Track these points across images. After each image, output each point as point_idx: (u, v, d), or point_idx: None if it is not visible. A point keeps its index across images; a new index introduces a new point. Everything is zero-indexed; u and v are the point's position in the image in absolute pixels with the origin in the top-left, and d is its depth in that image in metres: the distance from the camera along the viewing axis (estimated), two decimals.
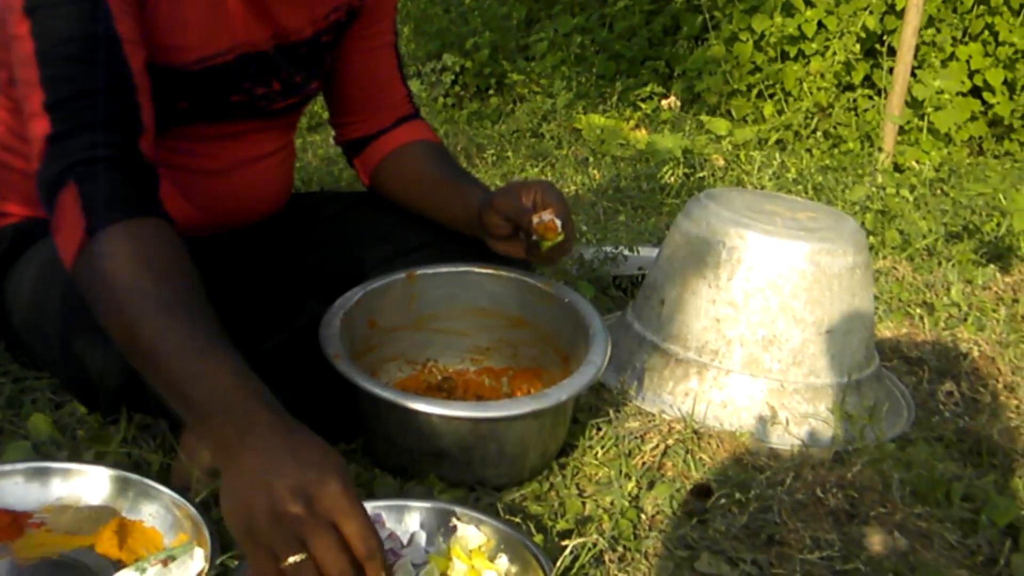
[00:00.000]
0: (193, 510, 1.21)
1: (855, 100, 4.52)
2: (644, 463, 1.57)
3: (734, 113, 4.74)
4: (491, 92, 5.03)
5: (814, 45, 4.62)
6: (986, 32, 4.58)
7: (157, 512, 1.25)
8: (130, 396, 1.46)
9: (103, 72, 1.34)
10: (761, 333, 1.73)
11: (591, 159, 4.03)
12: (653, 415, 1.71)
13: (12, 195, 1.65)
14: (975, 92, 4.58)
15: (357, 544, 0.96)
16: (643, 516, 1.44)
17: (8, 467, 1.28)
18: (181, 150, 1.57)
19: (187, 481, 1.33)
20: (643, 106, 4.76)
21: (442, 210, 1.74)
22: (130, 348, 1.18)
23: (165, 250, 1.26)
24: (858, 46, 4.51)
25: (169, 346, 1.13)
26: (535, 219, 1.51)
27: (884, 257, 2.81)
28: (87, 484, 1.29)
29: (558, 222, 1.50)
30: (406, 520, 1.28)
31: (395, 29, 1.84)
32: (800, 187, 3.51)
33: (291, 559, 0.95)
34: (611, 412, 1.68)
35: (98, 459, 1.39)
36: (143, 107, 1.37)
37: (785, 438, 1.68)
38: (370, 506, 1.26)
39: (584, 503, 1.46)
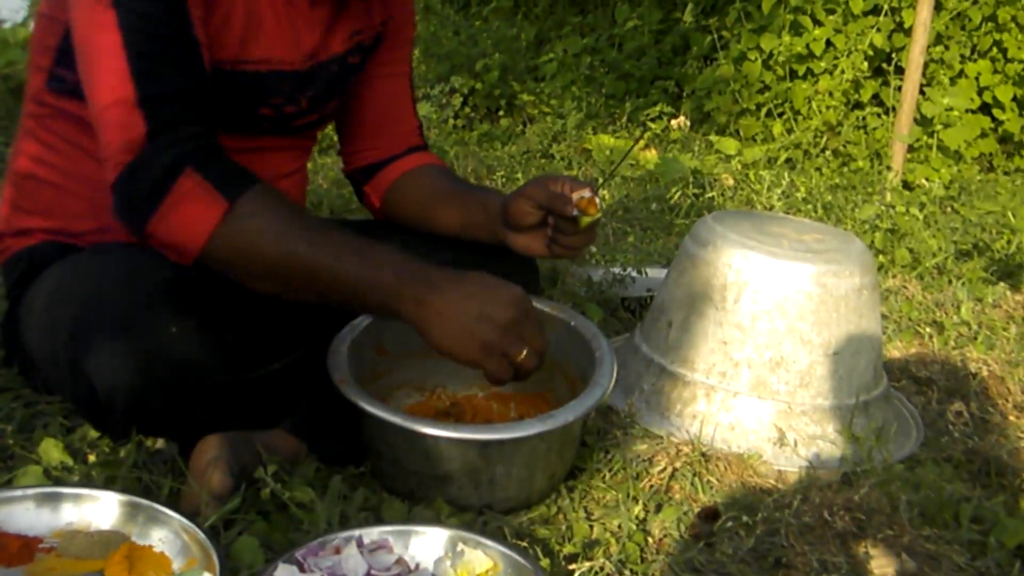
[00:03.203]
0: (202, 535, 1.21)
1: (864, 118, 4.53)
2: (652, 486, 1.57)
3: (743, 132, 4.75)
4: (501, 113, 5.04)
5: (822, 64, 4.64)
6: (995, 49, 4.59)
7: (167, 537, 1.25)
8: (139, 418, 1.47)
9: (188, 74, 1.42)
10: (768, 355, 1.73)
11: (600, 180, 4.04)
12: (661, 438, 1.72)
13: (38, 209, 1.67)
14: (984, 109, 4.59)
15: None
16: (650, 539, 1.44)
17: (19, 492, 1.29)
18: None
19: (196, 506, 1.34)
20: (653, 126, 4.78)
21: (460, 218, 1.76)
22: (306, 282, 1.40)
23: (288, 200, 1.46)
24: (866, 64, 4.52)
25: (346, 260, 1.38)
26: (575, 195, 1.57)
27: (893, 276, 2.81)
28: (97, 509, 1.29)
29: (598, 200, 1.57)
30: (413, 545, 1.28)
31: (411, 62, 1.88)
32: (809, 206, 3.51)
33: (523, 353, 1.36)
34: (619, 435, 1.68)
35: (108, 484, 1.40)
36: (212, 112, 1.47)
37: (793, 460, 1.68)
38: (376, 531, 1.27)
39: (591, 526, 1.46)
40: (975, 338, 2.34)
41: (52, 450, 1.50)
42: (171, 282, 1.42)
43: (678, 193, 3.63)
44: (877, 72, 4.66)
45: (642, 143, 4.48)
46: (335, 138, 2.05)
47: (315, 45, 1.63)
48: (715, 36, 5.05)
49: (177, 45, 1.41)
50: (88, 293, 1.42)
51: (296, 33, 1.60)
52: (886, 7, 4.53)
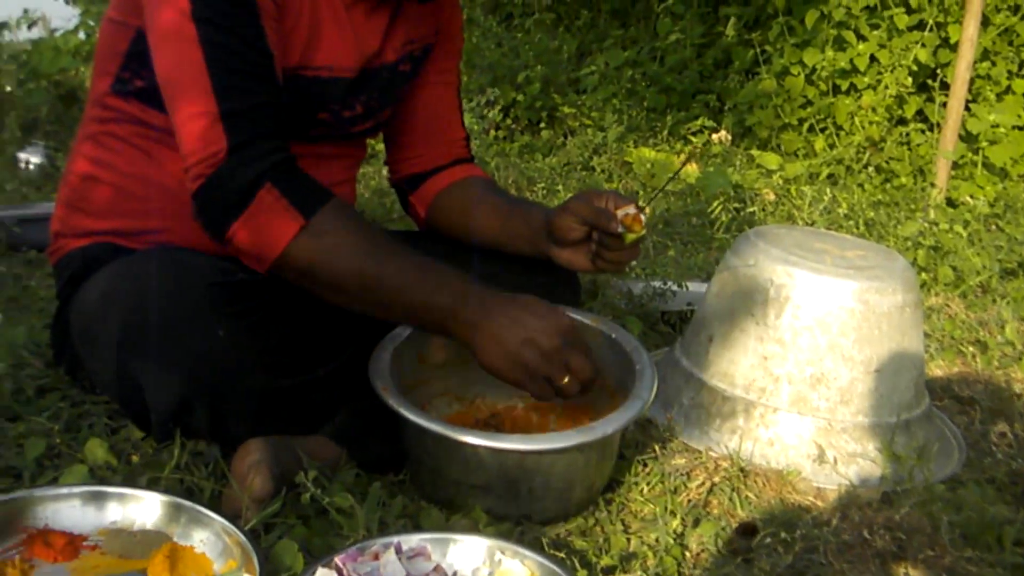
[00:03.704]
0: (243, 537, 1.22)
1: (907, 134, 4.49)
2: (690, 500, 1.57)
3: (785, 147, 4.73)
4: (542, 125, 5.05)
5: (866, 79, 4.61)
6: None
7: (208, 538, 1.27)
8: (183, 421, 1.49)
9: (264, 88, 1.47)
10: (809, 371, 1.72)
11: (641, 193, 4.03)
12: (699, 452, 1.71)
13: (95, 209, 1.70)
14: None
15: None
16: (688, 554, 1.44)
17: (65, 490, 1.31)
18: None
19: (238, 509, 1.35)
20: (694, 140, 4.76)
21: (503, 231, 1.77)
22: (371, 297, 1.47)
23: (360, 216, 1.54)
24: (910, 80, 4.48)
25: (410, 276, 1.45)
26: (620, 212, 1.58)
27: (936, 294, 2.79)
28: (141, 509, 1.31)
29: (643, 217, 1.58)
30: (451, 553, 1.28)
31: (459, 74, 1.91)
32: (851, 222, 3.49)
33: (565, 379, 1.41)
34: (657, 448, 1.68)
35: (152, 485, 1.42)
36: (285, 119, 1.51)
37: (832, 477, 1.67)
38: (415, 538, 1.27)
39: (629, 539, 1.46)
40: (1019, 358, 2.31)
41: (97, 450, 1.53)
42: (218, 287, 1.44)
43: (719, 207, 3.62)
44: (921, 88, 4.62)
45: (686, 159, 4.47)
46: (377, 147, 2.07)
47: (371, 52, 1.67)
48: (757, 50, 5.02)
49: (254, 58, 1.46)
50: (137, 296, 1.44)
51: (355, 40, 1.63)
52: (931, 22, 4.49)
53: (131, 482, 1.42)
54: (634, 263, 2.71)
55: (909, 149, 4.48)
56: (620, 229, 1.57)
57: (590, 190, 1.65)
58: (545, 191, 3.87)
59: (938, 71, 4.52)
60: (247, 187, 1.42)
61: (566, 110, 5.03)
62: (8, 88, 5.02)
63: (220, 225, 1.46)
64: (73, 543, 1.26)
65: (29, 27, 6.04)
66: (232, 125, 1.43)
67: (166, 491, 1.35)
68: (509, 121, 5.07)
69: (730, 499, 1.58)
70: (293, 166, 1.47)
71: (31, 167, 3.99)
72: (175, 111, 1.46)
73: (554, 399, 1.45)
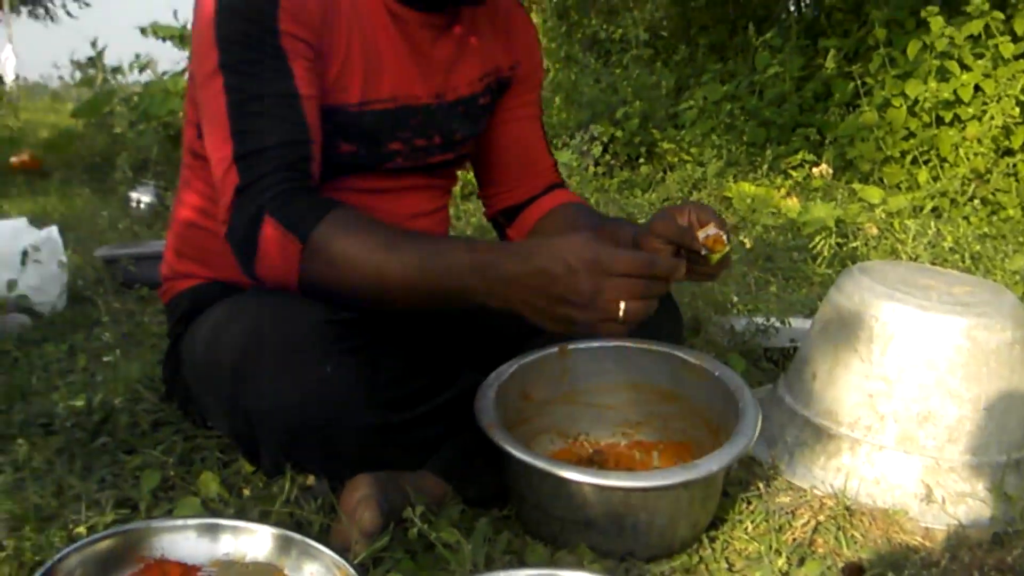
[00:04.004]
0: (352, 571, 1.24)
1: (1015, 165, 4.40)
2: (795, 539, 1.56)
3: (887, 180, 4.67)
4: (641, 160, 5.07)
5: (970, 110, 4.53)
6: None
7: (318, 571, 1.29)
8: (293, 455, 1.53)
9: (283, 128, 1.50)
10: (916, 409, 1.70)
11: (742, 228, 4.02)
12: (804, 490, 1.70)
13: (199, 257, 1.76)
14: None
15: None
16: None
17: (181, 522, 1.35)
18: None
19: (347, 543, 1.38)
20: (794, 174, 4.73)
21: None
22: (392, 294, 1.44)
23: (362, 215, 1.49)
24: (1017, 110, 4.40)
25: (418, 267, 1.40)
26: (701, 234, 1.54)
27: None
28: (253, 541, 1.33)
29: (723, 235, 1.54)
30: None
31: (540, 103, 1.94)
32: (957, 256, 3.43)
33: (617, 314, 1.29)
34: (761, 486, 1.67)
35: (263, 517, 1.46)
36: (314, 159, 1.53)
37: (941, 517, 1.65)
38: (521, 574, 1.29)
39: None
40: None
41: (210, 483, 1.58)
42: (325, 324, 1.48)
43: (821, 242, 3.59)
44: None
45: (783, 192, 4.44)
46: (472, 180, 2.10)
47: (440, 84, 1.70)
48: (858, 82, 4.98)
49: (275, 100, 1.50)
50: (247, 334, 1.49)
51: (421, 69, 1.67)
52: None
53: (243, 515, 1.47)
54: (735, 298, 2.72)
55: (1016, 180, 4.39)
56: (704, 251, 1.55)
57: (672, 207, 1.63)
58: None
59: None
60: (250, 226, 1.47)
61: (665, 145, 5.04)
62: (119, 130, 5.21)
63: (247, 268, 1.52)
64: (188, 573, 1.30)
65: (140, 71, 6.27)
66: (243, 167, 1.48)
67: (277, 524, 1.38)
68: (608, 157, 5.09)
69: (836, 538, 1.57)
70: (294, 192, 1.48)
71: (142, 206, 4.15)
72: (209, 159, 1.54)
73: (622, 328, 1.33)
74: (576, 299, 1.30)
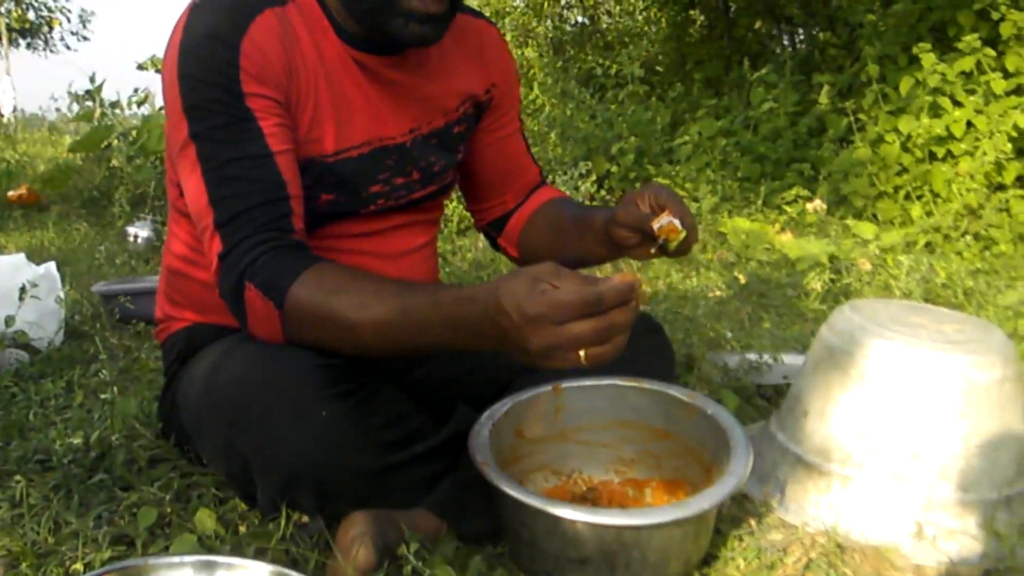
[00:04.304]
0: None
1: (1007, 201, 4.42)
2: (786, 575, 1.57)
3: (880, 216, 4.69)
4: None
5: (963, 145, 4.56)
6: None
7: None
8: (288, 497, 1.54)
9: (259, 188, 1.51)
10: (907, 446, 1.72)
11: (736, 263, 4.04)
12: (796, 527, 1.71)
13: (188, 303, 1.78)
14: None
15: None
16: None
17: (177, 559, 1.34)
18: (330, 249, 1.66)
19: None
20: (788, 209, 4.76)
21: (581, 248, 1.79)
22: (364, 349, 1.45)
23: (337, 270, 1.49)
24: (1009, 145, 4.43)
25: (407, 310, 1.38)
26: (655, 225, 1.56)
27: None
28: None
29: (676, 222, 1.56)
30: None
31: (520, 117, 1.96)
32: (949, 291, 3.45)
33: (582, 353, 1.22)
34: (753, 523, 1.68)
35: (259, 554, 1.47)
36: (295, 212, 1.54)
37: (932, 554, 1.66)
38: None
39: None
40: None
41: (207, 520, 1.59)
42: (320, 369, 1.49)
43: (814, 278, 3.61)
44: (1020, 153, 4.56)
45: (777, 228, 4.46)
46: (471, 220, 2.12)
47: (414, 119, 1.71)
48: (852, 118, 5.02)
49: (249, 162, 1.51)
50: (242, 377, 1.51)
51: (391, 110, 1.68)
52: None
53: (239, 552, 1.48)
54: (729, 334, 2.73)
55: (1009, 215, 4.41)
56: (660, 241, 1.57)
57: (634, 192, 1.64)
58: (639, 264, 3.90)
59: None
60: (236, 291, 1.50)
61: (660, 180, 5.06)
62: (117, 164, 5.23)
63: (243, 328, 1.55)
64: None
65: (139, 105, 6.30)
66: (224, 233, 1.50)
67: (273, 561, 1.38)
68: (604, 192, 5.12)
69: (827, 575, 1.58)
70: (274, 253, 1.49)
71: (139, 241, 4.17)
72: (195, 225, 1.56)
73: (603, 360, 1.25)
74: (533, 352, 1.24)
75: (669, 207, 1.59)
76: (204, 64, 1.50)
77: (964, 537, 1.68)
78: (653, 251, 1.64)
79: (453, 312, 1.34)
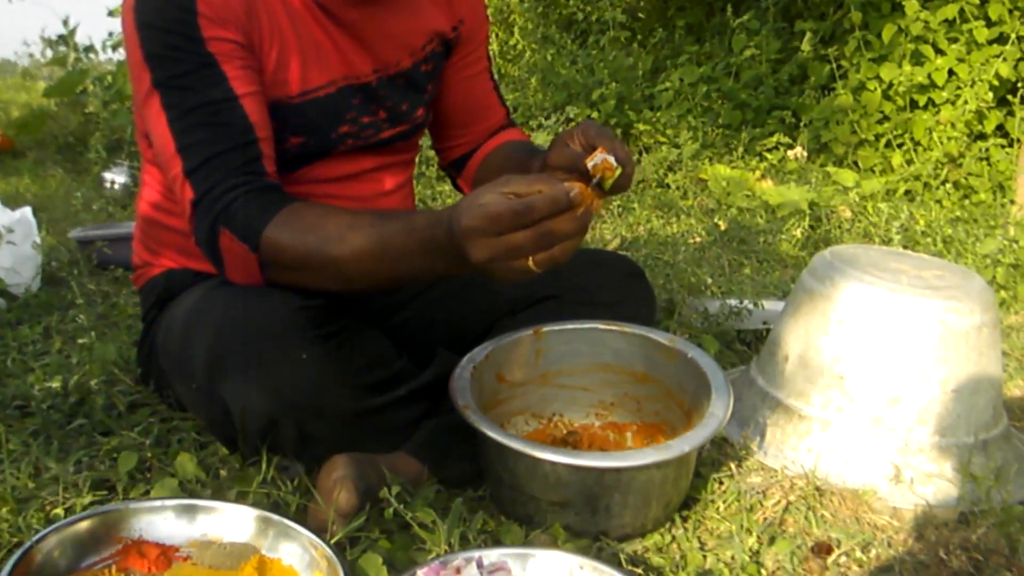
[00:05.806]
0: (329, 550, 1.25)
1: (987, 150, 4.43)
2: (765, 518, 1.58)
3: (861, 163, 4.69)
4: None
5: (944, 94, 4.55)
6: None
7: (295, 551, 1.30)
8: (270, 440, 1.54)
9: (227, 132, 1.49)
10: (886, 391, 1.73)
11: (717, 210, 4.04)
12: (775, 471, 1.72)
13: (166, 250, 1.77)
14: None
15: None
16: (763, 571, 1.45)
17: (159, 503, 1.35)
18: (305, 195, 1.63)
19: (323, 523, 1.39)
20: (769, 156, 4.75)
21: None
22: (347, 281, 1.43)
23: (310, 208, 1.47)
24: (991, 95, 4.42)
25: (384, 239, 1.37)
26: (588, 163, 1.47)
27: (1016, 312, 2.76)
28: (231, 522, 1.34)
29: (610, 158, 1.46)
30: (531, 567, 1.30)
31: (489, 55, 1.93)
32: (929, 239, 3.46)
33: (530, 260, 1.22)
34: (733, 467, 1.70)
35: (240, 498, 1.47)
36: (265, 154, 1.52)
37: (909, 497, 1.68)
38: (496, 553, 1.30)
39: (705, 556, 1.48)
40: None
41: (187, 464, 1.58)
42: (301, 311, 1.48)
43: (795, 225, 3.62)
44: (1002, 102, 4.56)
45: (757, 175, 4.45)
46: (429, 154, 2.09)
47: (379, 59, 1.69)
48: (834, 65, 4.99)
49: (214, 107, 1.49)
50: (221, 321, 1.49)
51: (356, 50, 1.66)
52: (1013, 36, 4.43)
53: (220, 496, 1.48)
54: (709, 280, 2.73)
55: (989, 165, 4.42)
56: (596, 179, 1.47)
57: (566, 132, 1.58)
58: (620, 209, 3.89)
59: (1019, 85, 4.46)
60: (210, 238, 1.48)
61: (641, 127, 5.04)
62: (93, 109, 5.16)
63: (220, 274, 1.54)
64: (166, 554, 1.31)
65: (114, 50, 6.20)
66: (194, 182, 1.48)
67: (254, 505, 1.39)
68: None
69: (805, 518, 1.59)
70: (246, 197, 1.47)
71: (116, 187, 4.12)
72: (165, 174, 1.54)
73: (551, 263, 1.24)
74: (476, 263, 1.24)
75: (601, 144, 1.50)
76: (161, 11, 1.48)
77: (941, 480, 1.70)
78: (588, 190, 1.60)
79: (427, 236, 1.32)
